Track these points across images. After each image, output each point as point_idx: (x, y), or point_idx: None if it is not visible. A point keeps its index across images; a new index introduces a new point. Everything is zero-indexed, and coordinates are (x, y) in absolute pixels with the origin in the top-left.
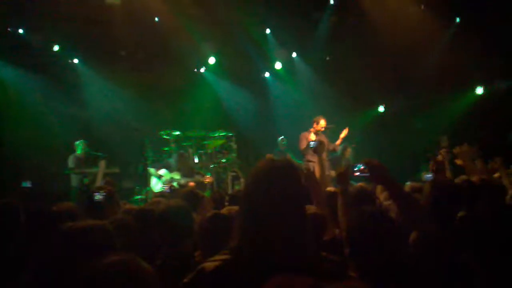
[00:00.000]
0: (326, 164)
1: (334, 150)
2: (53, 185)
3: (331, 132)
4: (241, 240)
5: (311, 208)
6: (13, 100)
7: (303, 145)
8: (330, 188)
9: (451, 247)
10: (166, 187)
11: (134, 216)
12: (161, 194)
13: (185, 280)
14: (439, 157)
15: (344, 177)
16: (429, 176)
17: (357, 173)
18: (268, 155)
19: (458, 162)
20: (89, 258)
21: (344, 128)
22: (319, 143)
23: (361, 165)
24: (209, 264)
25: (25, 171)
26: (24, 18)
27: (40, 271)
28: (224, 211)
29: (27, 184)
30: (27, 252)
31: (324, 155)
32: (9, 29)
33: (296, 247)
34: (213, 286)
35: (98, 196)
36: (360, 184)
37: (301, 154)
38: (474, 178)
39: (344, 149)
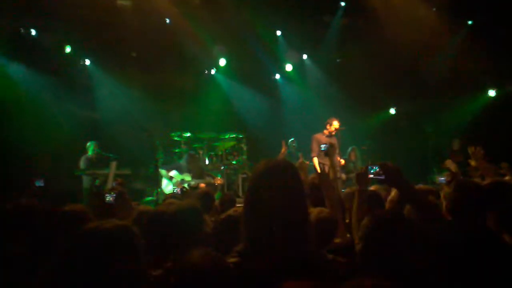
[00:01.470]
0: (338, 167)
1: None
2: (64, 186)
3: (343, 134)
4: (247, 241)
5: (323, 211)
6: (24, 100)
7: (314, 147)
8: (349, 189)
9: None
10: (177, 189)
11: (148, 218)
12: (172, 195)
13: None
14: (451, 167)
15: (363, 177)
16: (442, 179)
17: (372, 176)
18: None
19: (472, 163)
20: (115, 259)
21: (355, 130)
22: (330, 146)
23: (375, 168)
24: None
25: (36, 171)
26: (36, 19)
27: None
28: (230, 212)
29: (39, 183)
30: (40, 252)
31: (336, 158)
32: (21, 29)
33: (298, 244)
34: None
35: (109, 197)
36: (373, 187)
37: (311, 156)
38: (488, 180)
39: (350, 152)
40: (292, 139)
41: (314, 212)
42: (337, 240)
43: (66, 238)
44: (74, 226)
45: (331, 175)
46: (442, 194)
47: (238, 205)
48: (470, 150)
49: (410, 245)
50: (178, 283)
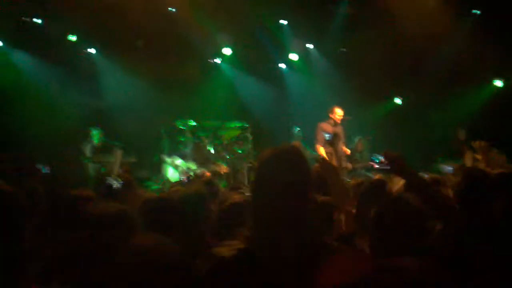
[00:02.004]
0: (343, 156)
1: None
2: (69, 172)
3: (348, 124)
4: (254, 228)
5: (320, 197)
6: (29, 89)
7: (319, 136)
8: (354, 180)
9: (474, 239)
10: (184, 177)
11: (153, 204)
12: (178, 183)
13: (206, 269)
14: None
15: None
16: (449, 168)
17: (377, 165)
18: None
19: (478, 156)
20: (113, 241)
21: (360, 119)
22: (334, 135)
23: (380, 157)
24: (227, 254)
25: (42, 158)
26: (41, 8)
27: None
28: (235, 199)
29: (45, 169)
30: (44, 237)
31: (341, 147)
32: (25, 18)
33: (304, 232)
34: (234, 275)
35: (116, 184)
36: (377, 176)
37: (315, 144)
38: (497, 170)
39: (356, 142)
40: (297, 128)
41: (317, 200)
42: (343, 229)
43: (73, 219)
44: (81, 210)
45: (335, 163)
46: (448, 183)
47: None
48: (475, 145)
49: (417, 231)
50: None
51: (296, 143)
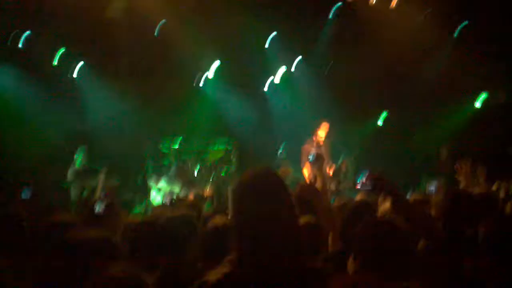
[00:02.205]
0: (327, 177)
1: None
2: (52, 196)
3: (332, 144)
4: (238, 252)
5: (309, 219)
6: (11, 110)
7: (303, 158)
8: (338, 202)
9: (459, 257)
10: (167, 200)
11: (136, 228)
12: (161, 206)
13: None
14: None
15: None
16: (432, 188)
17: (359, 186)
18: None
19: (459, 178)
20: (92, 268)
21: (344, 139)
22: (317, 157)
23: (363, 176)
24: (212, 277)
25: (25, 181)
26: (27, 27)
27: (41, 282)
28: (217, 222)
29: (26, 195)
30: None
31: (326, 167)
32: (11, 37)
33: (289, 254)
34: None
35: (98, 208)
36: (359, 196)
37: (301, 167)
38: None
39: (341, 163)
40: (280, 149)
41: (301, 220)
42: (329, 249)
43: (53, 246)
44: (63, 235)
45: (319, 184)
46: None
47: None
48: (457, 167)
49: (401, 252)
50: None
51: (283, 167)
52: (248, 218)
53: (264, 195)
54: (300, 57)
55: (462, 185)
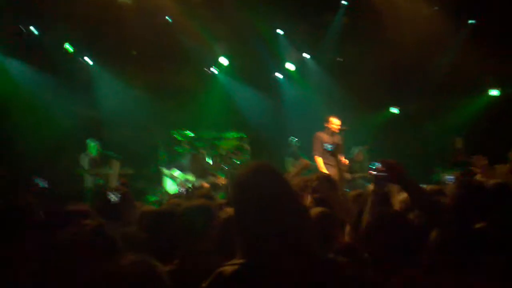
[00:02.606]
0: (343, 167)
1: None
2: (66, 185)
3: (345, 134)
4: (244, 250)
5: (323, 210)
6: (25, 99)
7: (317, 146)
8: (354, 192)
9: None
10: (182, 189)
11: (154, 217)
12: (176, 195)
13: (203, 284)
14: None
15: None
16: (450, 177)
17: (375, 173)
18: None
19: (475, 170)
20: (88, 262)
21: (357, 129)
22: (336, 146)
23: (377, 164)
24: (227, 268)
25: (38, 171)
26: (37, 17)
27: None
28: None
29: (41, 183)
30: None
31: (341, 157)
32: (21, 27)
33: (295, 247)
34: None
35: (113, 198)
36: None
37: (313, 155)
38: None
39: (356, 153)
40: (294, 139)
41: (315, 211)
42: (343, 241)
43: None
44: (78, 225)
45: (337, 175)
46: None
47: None
48: (473, 159)
49: (411, 240)
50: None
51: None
52: (251, 210)
53: (266, 192)
54: (311, 46)
55: (479, 177)
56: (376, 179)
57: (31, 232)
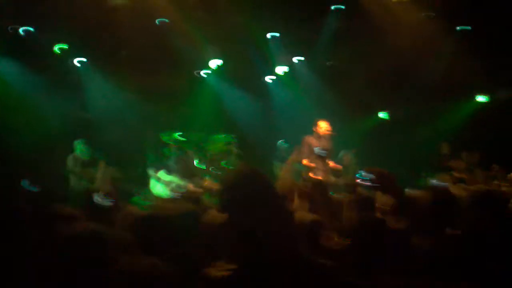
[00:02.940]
0: (329, 170)
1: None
2: (54, 186)
3: (333, 138)
4: (238, 248)
5: (308, 216)
6: (15, 99)
7: (305, 150)
8: (337, 196)
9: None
10: (177, 194)
11: (140, 220)
12: (165, 198)
13: None
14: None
15: (352, 186)
16: (435, 182)
17: (362, 181)
18: None
19: (456, 174)
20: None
21: (346, 133)
22: (326, 150)
23: (364, 172)
24: (215, 273)
25: (26, 171)
26: (29, 18)
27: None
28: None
29: (27, 184)
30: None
31: (331, 162)
32: (10, 28)
33: (282, 250)
34: None
35: (100, 199)
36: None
37: (301, 158)
38: (473, 188)
39: (343, 156)
40: (281, 141)
41: (302, 215)
42: (328, 243)
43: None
44: (65, 228)
45: (324, 178)
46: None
47: None
48: (452, 164)
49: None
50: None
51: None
52: (240, 214)
53: (252, 197)
54: (302, 50)
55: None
56: (352, 186)
57: (24, 234)
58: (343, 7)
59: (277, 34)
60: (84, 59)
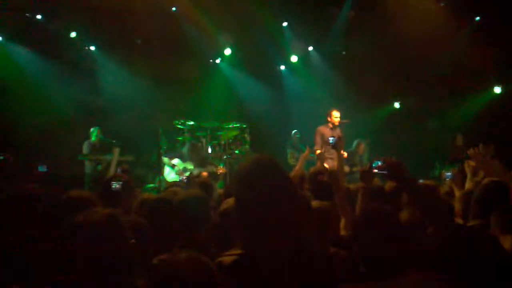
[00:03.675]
0: (343, 160)
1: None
2: (66, 171)
3: (346, 127)
4: (244, 242)
5: (314, 203)
6: (29, 85)
7: (318, 139)
8: (353, 185)
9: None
10: (183, 178)
11: (152, 205)
12: (176, 184)
13: None
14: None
15: (367, 175)
16: (449, 174)
17: (376, 170)
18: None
19: (472, 164)
20: (98, 250)
21: (358, 123)
22: (338, 139)
23: (379, 162)
24: (227, 258)
25: (40, 156)
26: (43, 4)
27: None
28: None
29: (43, 168)
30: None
31: (342, 151)
32: (27, 14)
33: (295, 240)
34: (231, 280)
35: (115, 185)
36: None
37: (314, 148)
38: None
39: (357, 145)
40: (295, 130)
41: (312, 204)
42: (342, 233)
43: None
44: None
45: (337, 168)
46: (443, 190)
47: None
48: (470, 152)
49: (398, 236)
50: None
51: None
52: (253, 201)
53: (266, 179)
54: (316, 39)
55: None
56: (363, 177)
57: (38, 219)
58: None
59: (291, 23)
60: (97, 45)
